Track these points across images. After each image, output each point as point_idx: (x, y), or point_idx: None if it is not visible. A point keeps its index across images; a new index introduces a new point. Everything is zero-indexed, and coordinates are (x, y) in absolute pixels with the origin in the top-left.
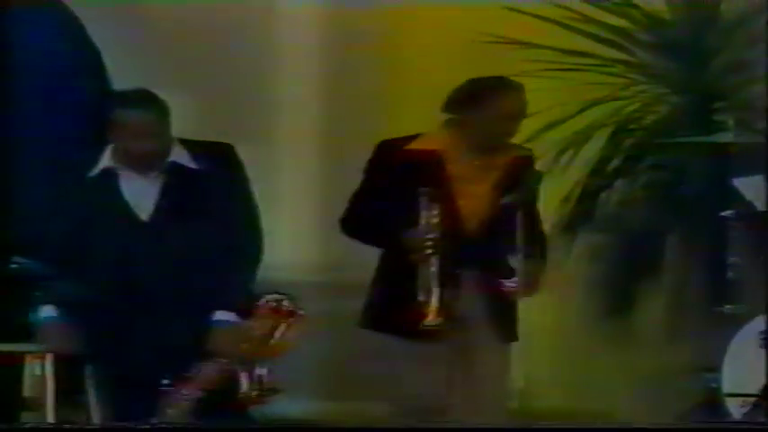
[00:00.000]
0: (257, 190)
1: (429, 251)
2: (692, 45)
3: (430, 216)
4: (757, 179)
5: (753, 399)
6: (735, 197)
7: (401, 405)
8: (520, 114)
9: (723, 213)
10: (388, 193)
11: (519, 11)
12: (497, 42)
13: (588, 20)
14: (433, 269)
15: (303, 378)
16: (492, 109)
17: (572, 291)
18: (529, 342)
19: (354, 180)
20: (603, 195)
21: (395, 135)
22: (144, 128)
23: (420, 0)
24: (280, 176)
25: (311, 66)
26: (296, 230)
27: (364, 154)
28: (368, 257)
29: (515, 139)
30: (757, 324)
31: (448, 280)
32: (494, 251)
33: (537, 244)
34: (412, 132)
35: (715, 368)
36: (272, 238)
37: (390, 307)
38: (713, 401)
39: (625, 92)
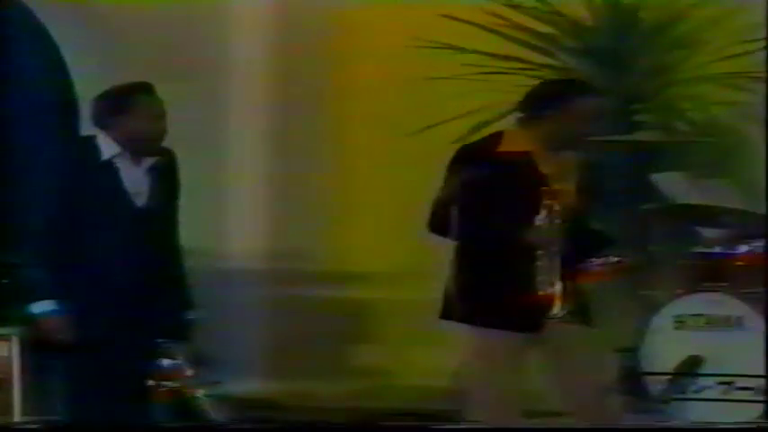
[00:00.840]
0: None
1: (550, 244)
2: (615, 50)
3: (549, 208)
4: (675, 175)
5: (668, 376)
6: (654, 192)
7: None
8: (594, 116)
9: (644, 206)
10: (488, 197)
11: (452, 17)
12: (432, 47)
13: (517, 26)
14: (556, 261)
15: (252, 361)
16: (573, 109)
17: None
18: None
19: (298, 172)
20: None
21: (335, 132)
22: (160, 109)
23: (359, 4)
24: (229, 169)
25: (255, 64)
26: (246, 221)
27: (307, 148)
28: (312, 246)
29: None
30: (672, 308)
31: (566, 271)
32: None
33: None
34: (350, 128)
35: (634, 348)
36: (222, 229)
37: (505, 302)
38: (632, 378)
39: None
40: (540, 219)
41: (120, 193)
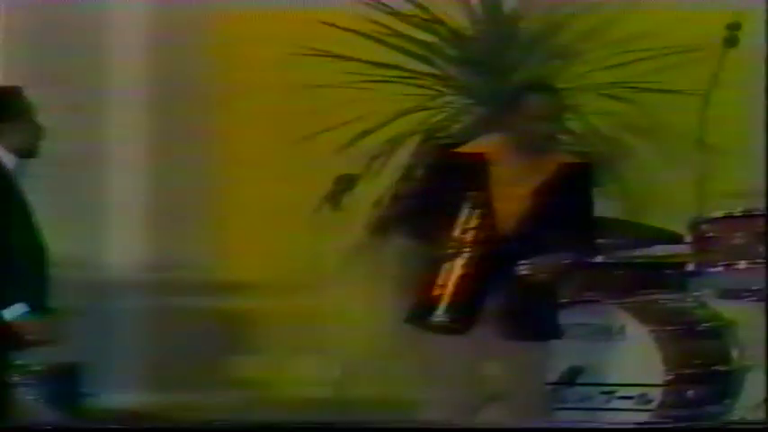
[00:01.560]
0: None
1: (458, 250)
2: (494, 60)
3: (468, 218)
4: None
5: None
6: None
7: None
8: (555, 116)
9: None
10: (434, 193)
11: (334, 25)
12: (314, 54)
13: (398, 34)
14: (457, 268)
15: (133, 372)
16: (527, 111)
17: (384, 289)
18: (346, 336)
19: (181, 180)
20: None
21: (218, 139)
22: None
23: (241, 11)
24: (110, 177)
25: (135, 70)
26: (126, 230)
27: (189, 156)
28: (194, 255)
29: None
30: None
31: (471, 280)
32: (528, 252)
33: (580, 246)
34: (233, 136)
35: None
36: (103, 239)
37: (416, 300)
38: None
39: (433, 103)
40: (459, 223)
41: None
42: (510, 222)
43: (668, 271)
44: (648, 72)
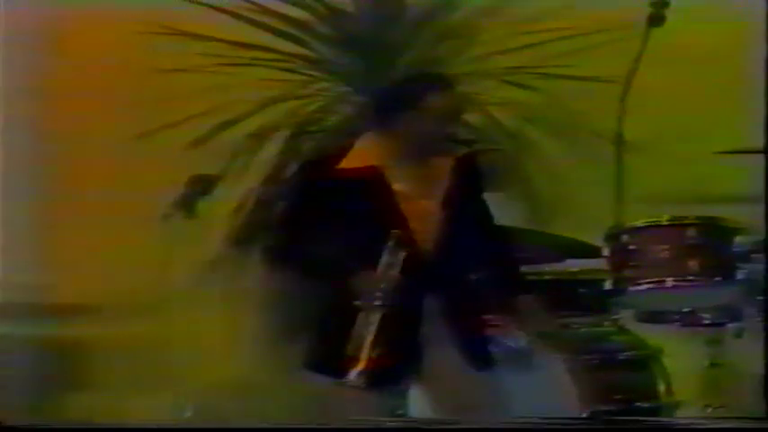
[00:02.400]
0: None
1: (378, 302)
2: (377, 41)
3: (391, 262)
4: None
5: None
6: None
7: None
8: (454, 113)
9: None
10: (325, 220)
11: (191, 0)
12: (164, 33)
13: (266, 11)
14: (373, 323)
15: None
16: (425, 109)
17: (248, 307)
18: (205, 355)
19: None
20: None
21: (49, 132)
22: None
23: None
24: None
25: None
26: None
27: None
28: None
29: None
30: None
31: (392, 332)
32: (456, 273)
33: (500, 254)
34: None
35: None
36: None
37: (322, 350)
38: None
39: (304, 90)
40: (380, 269)
41: None
42: (430, 244)
43: (582, 290)
44: (558, 56)
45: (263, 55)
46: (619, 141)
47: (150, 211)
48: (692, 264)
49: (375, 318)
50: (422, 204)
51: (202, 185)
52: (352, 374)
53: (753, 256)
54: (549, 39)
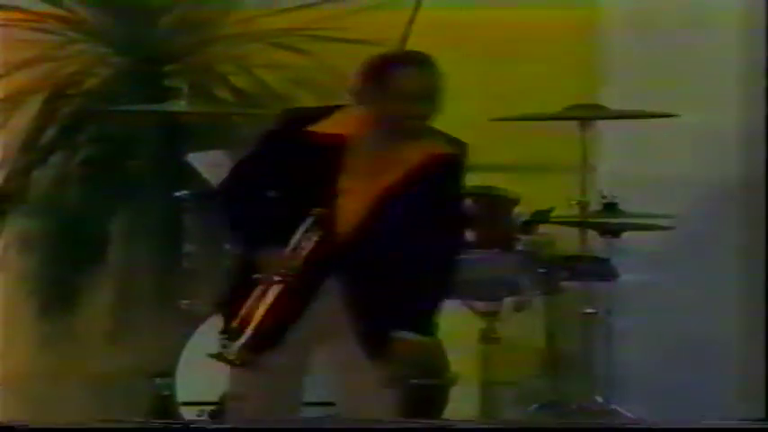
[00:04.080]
0: None
1: (277, 279)
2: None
3: (307, 238)
4: (215, 154)
5: (210, 408)
6: (189, 175)
7: None
8: (425, 94)
9: (177, 194)
10: (277, 180)
11: None
12: None
13: None
14: (270, 296)
15: None
16: (388, 87)
17: (4, 284)
18: None
19: None
20: (36, 173)
21: None
22: None
23: None
24: None
25: None
26: None
27: None
28: None
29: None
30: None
31: (284, 311)
32: (370, 263)
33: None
34: None
35: (168, 373)
36: None
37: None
38: (166, 409)
39: (61, 51)
40: (294, 242)
41: None
42: (352, 228)
43: None
44: (328, 18)
45: (16, 15)
46: None
47: None
48: (469, 235)
49: (270, 295)
50: (367, 186)
51: None
52: (233, 347)
53: (531, 227)
54: (320, 1)
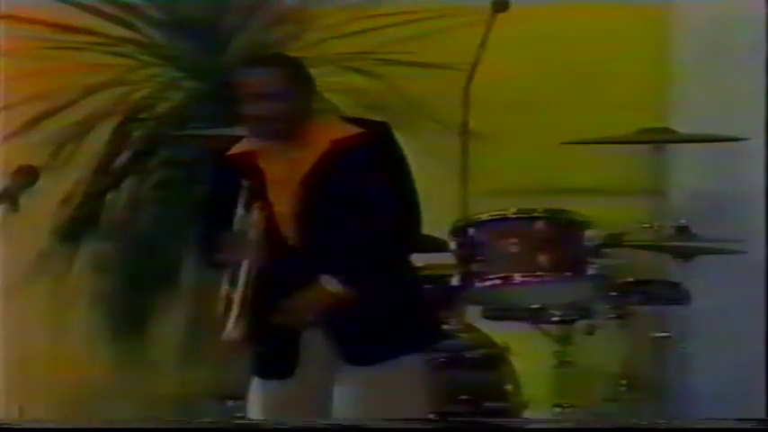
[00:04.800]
0: None
1: (240, 256)
2: (209, 23)
3: (248, 215)
4: None
5: None
6: None
7: None
8: (264, 94)
9: None
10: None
11: None
12: None
13: None
14: (242, 278)
15: None
16: (240, 89)
17: (76, 307)
18: (25, 366)
19: None
20: (110, 196)
21: None
22: None
23: None
24: None
25: None
26: None
27: None
28: None
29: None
30: None
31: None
32: (316, 259)
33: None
34: None
35: (240, 396)
36: None
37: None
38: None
39: (133, 75)
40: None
41: None
42: (289, 228)
43: (428, 286)
44: (399, 41)
45: (91, 39)
46: (464, 131)
47: None
48: (541, 258)
49: (240, 274)
50: (286, 186)
51: (26, 177)
52: (227, 329)
53: (603, 251)
54: (390, 24)
